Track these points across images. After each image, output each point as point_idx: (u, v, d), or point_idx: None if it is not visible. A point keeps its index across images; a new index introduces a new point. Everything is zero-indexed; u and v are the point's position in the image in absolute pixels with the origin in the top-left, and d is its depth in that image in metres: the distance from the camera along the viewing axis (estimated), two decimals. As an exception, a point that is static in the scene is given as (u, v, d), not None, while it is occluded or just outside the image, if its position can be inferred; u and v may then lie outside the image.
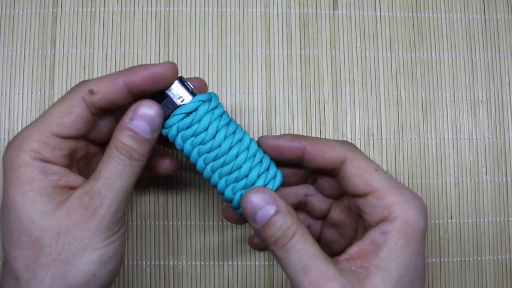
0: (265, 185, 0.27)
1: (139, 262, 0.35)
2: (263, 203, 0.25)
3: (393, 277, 0.24)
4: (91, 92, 0.25)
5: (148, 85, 0.26)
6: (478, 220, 0.36)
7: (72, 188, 0.25)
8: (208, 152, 0.27)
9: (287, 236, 0.25)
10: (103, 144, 0.29)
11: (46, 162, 0.25)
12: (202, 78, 0.36)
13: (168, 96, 0.27)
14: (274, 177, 0.28)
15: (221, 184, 0.27)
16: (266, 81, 0.37)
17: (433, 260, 0.36)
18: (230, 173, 0.27)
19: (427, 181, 0.37)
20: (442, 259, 0.36)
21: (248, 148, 0.27)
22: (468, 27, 0.38)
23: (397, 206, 0.25)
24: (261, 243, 0.32)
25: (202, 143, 0.27)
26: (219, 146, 0.27)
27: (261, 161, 0.28)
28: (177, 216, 0.35)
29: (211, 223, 0.36)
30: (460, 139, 0.37)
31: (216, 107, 0.27)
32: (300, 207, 0.32)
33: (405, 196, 0.26)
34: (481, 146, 0.37)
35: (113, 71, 0.36)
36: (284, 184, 0.30)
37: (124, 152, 0.25)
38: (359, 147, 0.36)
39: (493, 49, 0.38)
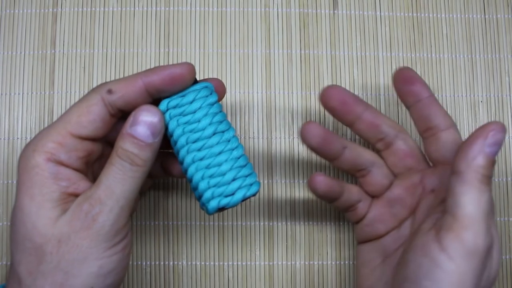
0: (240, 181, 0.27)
1: (139, 262, 0.35)
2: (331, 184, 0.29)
3: None
4: (110, 91, 0.26)
5: (166, 86, 0.26)
6: (478, 220, 0.36)
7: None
8: (194, 138, 0.27)
9: None
10: None
11: (60, 164, 0.25)
12: (202, 78, 0.36)
13: None
14: (251, 185, 0.28)
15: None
16: (266, 81, 0.37)
17: (433, 260, 0.36)
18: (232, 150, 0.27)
19: (427, 181, 0.37)
20: (442, 259, 0.36)
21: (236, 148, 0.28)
22: (468, 27, 0.38)
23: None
24: (327, 183, 0.30)
25: (189, 123, 0.27)
26: (207, 137, 0.27)
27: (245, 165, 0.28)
28: (177, 216, 0.35)
29: (211, 223, 0.36)
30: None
31: (208, 95, 0.28)
32: (360, 175, 0.31)
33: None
34: (481, 146, 0.37)
35: (113, 71, 0.36)
36: (356, 130, 0.31)
37: (125, 157, 0.25)
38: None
39: (493, 49, 0.38)
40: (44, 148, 0.25)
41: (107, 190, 0.24)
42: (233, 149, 0.27)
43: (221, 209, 0.27)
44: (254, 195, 0.27)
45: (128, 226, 0.26)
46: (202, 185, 0.26)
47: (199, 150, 0.27)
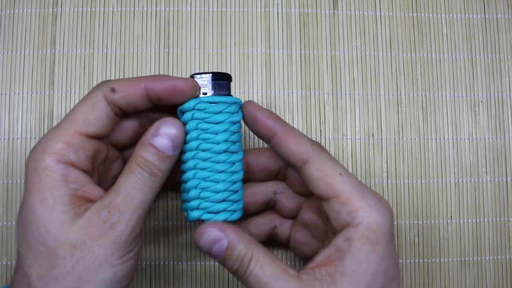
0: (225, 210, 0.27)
1: (139, 262, 0.35)
2: (214, 239, 0.26)
3: (360, 283, 0.24)
4: (113, 90, 0.26)
5: (166, 96, 0.26)
6: (478, 220, 0.36)
7: (90, 201, 0.25)
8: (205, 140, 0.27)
9: (243, 266, 0.25)
10: (123, 149, 0.29)
11: (70, 165, 0.25)
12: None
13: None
14: (235, 211, 0.28)
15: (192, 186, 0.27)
16: (266, 81, 0.37)
17: (433, 260, 0.36)
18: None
19: (427, 181, 0.37)
20: (442, 259, 0.36)
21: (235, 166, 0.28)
22: (468, 27, 0.38)
23: (360, 212, 0.25)
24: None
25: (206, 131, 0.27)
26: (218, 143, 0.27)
27: (237, 191, 0.28)
28: (177, 217, 0.35)
29: (211, 223, 0.36)
30: (460, 139, 0.37)
31: (234, 113, 0.28)
32: (269, 206, 0.32)
33: (369, 201, 0.26)
34: (481, 146, 0.37)
35: (113, 71, 0.36)
36: (254, 179, 0.31)
37: (145, 167, 0.25)
38: (359, 147, 0.37)
39: (493, 49, 0.38)
40: (53, 150, 0.24)
41: (127, 199, 0.24)
42: (234, 173, 0.28)
43: (200, 221, 0.27)
44: (233, 221, 0.28)
45: (141, 234, 0.26)
46: (193, 193, 0.27)
47: (204, 160, 0.27)
